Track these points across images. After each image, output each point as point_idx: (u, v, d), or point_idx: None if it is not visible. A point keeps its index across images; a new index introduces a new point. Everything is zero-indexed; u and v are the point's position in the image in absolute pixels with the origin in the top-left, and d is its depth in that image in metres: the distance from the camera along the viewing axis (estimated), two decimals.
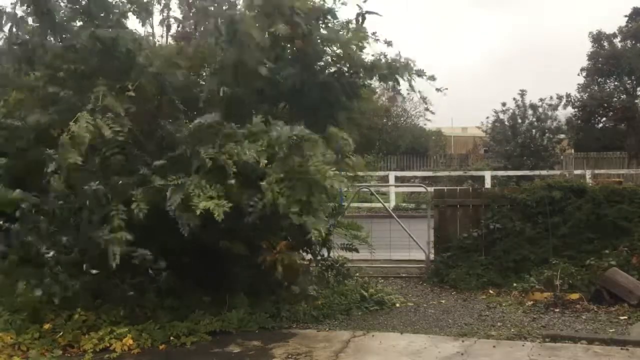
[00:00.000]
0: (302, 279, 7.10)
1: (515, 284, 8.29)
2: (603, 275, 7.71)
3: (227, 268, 7.06)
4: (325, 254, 8.03)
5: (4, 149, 6.66)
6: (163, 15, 7.50)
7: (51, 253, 6.07)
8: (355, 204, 16.03)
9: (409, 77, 7.24)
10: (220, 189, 5.72)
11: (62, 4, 6.85)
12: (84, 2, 6.77)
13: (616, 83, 28.32)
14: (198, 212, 5.54)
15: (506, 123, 26.61)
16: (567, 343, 6.06)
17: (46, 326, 6.27)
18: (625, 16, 28.54)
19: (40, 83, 6.65)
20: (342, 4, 7.16)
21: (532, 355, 5.71)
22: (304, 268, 7.28)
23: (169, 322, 6.47)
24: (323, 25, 7.11)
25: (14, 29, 6.75)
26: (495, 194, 9.48)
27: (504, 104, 26.80)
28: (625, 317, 6.97)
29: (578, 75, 28.88)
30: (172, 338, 6.29)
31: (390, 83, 7.30)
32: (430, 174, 24.47)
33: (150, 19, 7.29)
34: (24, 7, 6.77)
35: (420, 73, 7.28)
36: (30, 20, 6.92)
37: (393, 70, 7.16)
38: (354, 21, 7.20)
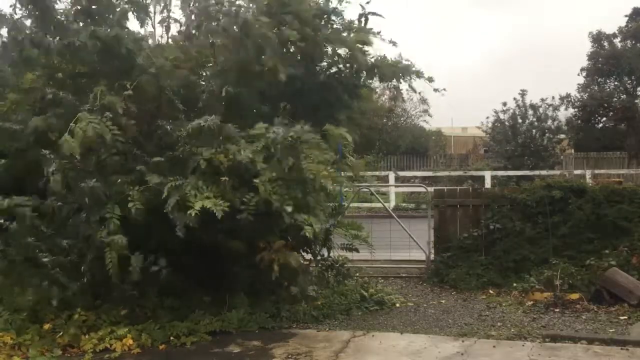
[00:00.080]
0: (301, 279, 7.09)
1: (515, 284, 8.29)
2: (603, 275, 7.71)
3: (227, 268, 7.06)
4: (325, 254, 8.04)
5: (3, 149, 6.66)
6: (162, 16, 7.49)
7: (48, 258, 6.06)
8: (355, 204, 16.04)
9: (410, 78, 7.25)
10: (215, 190, 5.72)
11: (62, 4, 6.85)
12: (84, 2, 6.76)
13: (616, 83, 28.33)
14: (194, 213, 5.55)
15: (506, 123, 26.62)
16: (567, 343, 6.06)
17: (46, 326, 6.28)
18: (626, 16, 28.58)
19: (37, 84, 6.63)
20: (347, 2, 7.18)
21: (532, 355, 5.71)
22: (303, 268, 7.27)
23: (169, 322, 6.47)
24: (328, 25, 7.12)
25: (12, 32, 6.74)
26: (495, 194, 9.47)
27: (504, 104, 26.85)
28: (625, 317, 6.97)
29: (578, 75, 28.95)
30: (172, 338, 6.29)
31: (392, 83, 7.30)
32: (430, 174, 24.48)
33: (151, 19, 7.28)
34: (23, 9, 6.76)
35: (419, 74, 7.29)
36: (29, 22, 6.91)
37: (396, 70, 7.16)
38: (356, 22, 7.21)
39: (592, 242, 8.46)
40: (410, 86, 7.40)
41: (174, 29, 7.73)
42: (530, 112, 26.50)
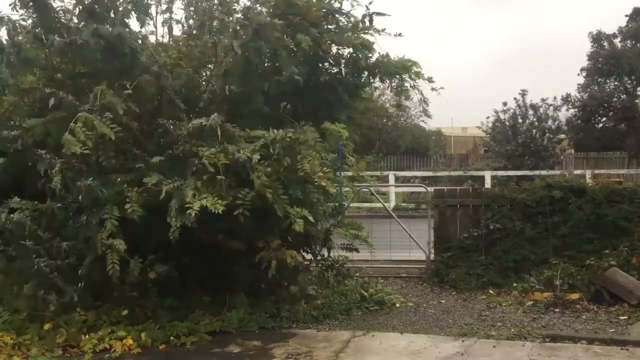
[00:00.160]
0: (301, 278, 7.10)
1: (515, 284, 8.29)
2: (603, 275, 7.71)
3: (227, 268, 7.06)
4: (325, 254, 8.03)
5: (2, 149, 6.65)
6: (165, 17, 7.51)
7: (45, 263, 6.05)
8: (355, 204, 16.04)
9: (412, 78, 7.25)
10: (212, 190, 5.73)
11: (61, 2, 6.85)
12: (86, 2, 6.76)
13: (616, 83, 28.33)
14: (193, 213, 5.55)
15: (506, 123, 26.63)
16: (567, 343, 6.06)
17: (46, 326, 6.27)
18: (626, 16, 28.59)
19: (36, 85, 6.61)
20: (355, 1, 7.18)
21: (532, 355, 5.71)
22: (303, 266, 7.26)
23: (169, 322, 6.47)
24: (333, 26, 7.13)
25: (12, 32, 6.75)
26: (495, 194, 9.47)
27: (504, 104, 26.86)
28: (625, 317, 6.97)
29: (578, 75, 28.96)
30: (172, 338, 6.29)
31: (395, 82, 7.29)
32: (430, 174, 24.47)
33: (151, 20, 7.29)
34: (23, 9, 6.77)
35: (419, 75, 7.28)
36: (29, 22, 6.92)
37: (398, 69, 7.15)
38: (360, 23, 7.21)
39: (592, 242, 8.46)
40: (411, 85, 7.39)
41: (176, 30, 7.76)
42: (531, 112, 26.51)
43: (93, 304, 6.53)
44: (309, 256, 7.77)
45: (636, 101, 27.63)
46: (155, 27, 7.35)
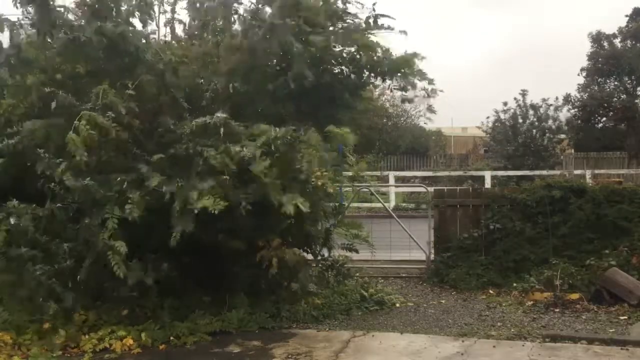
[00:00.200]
0: (301, 275, 7.09)
1: (515, 284, 8.29)
2: (603, 275, 7.71)
3: (227, 268, 7.06)
4: (326, 254, 8.04)
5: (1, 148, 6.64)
6: (167, 17, 7.52)
7: (42, 270, 6.04)
8: (355, 204, 16.03)
9: (414, 75, 7.25)
10: (217, 190, 5.73)
11: (61, 1, 6.87)
12: (89, 1, 6.77)
13: (616, 83, 28.31)
14: (196, 211, 5.55)
15: (507, 123, 26.62)
16: (567, 343, 6.06)
17: (46, 326, 6.27)
18: (626, 16, 28.56)
19: (36, 85, 6.61)
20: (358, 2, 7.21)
21: (532, 355, 5.71)
22: (303, 263, 7.25)
23: (169, 322, 6.46)
24: (339, 27, 7.13)
25: (14, 31, 6.75)
26: (495, 194, 9.47)
27: (505, 104, 26.87)
28: (625, 317, 6.97)
29: (578, 75, 28.93)
30: (172, 338, 6.29)
31: (398, 79, 7.29)
32: (430, 174, 24.46)
33: (153, 20, 7.29)
34: (25, 8, 6.77)
35: (421, 74, 7.28)
36: (29, 20, 6.92)
37: (401, 64, 7.15)
38: (364, 24, 7.22)
39: (592, 242, 8.46)
40: (413, 83, 7.39)
41: (178, 30, 7.76)
42: (531, 112, 26.51)
43: (93, 304, 6.53)
44: (309, 256, 7.77)
45: (636, 101, 27.61)
46: (158, 26, 7.37)
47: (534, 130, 26.35)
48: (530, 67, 68.80)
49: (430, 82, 7.35)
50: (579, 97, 28.19)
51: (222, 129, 6.03)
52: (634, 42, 27.72)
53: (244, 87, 6.81)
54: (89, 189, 5.88)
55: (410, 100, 7.80)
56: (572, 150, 28.55)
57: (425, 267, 9.55)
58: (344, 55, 7.22)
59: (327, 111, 7.09)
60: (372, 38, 7.19)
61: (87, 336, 6.18)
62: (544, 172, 20.79)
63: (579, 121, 28.14)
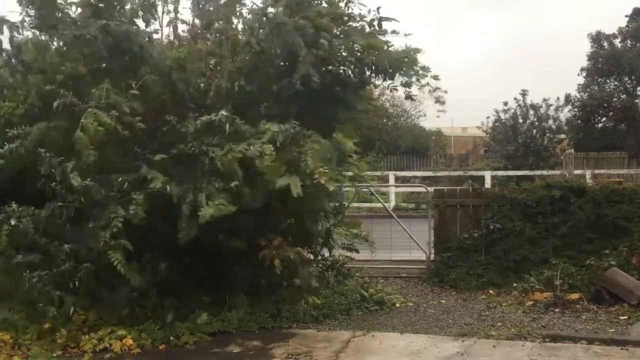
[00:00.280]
0: (303, 272, 7.09)
1: (515, 284, 8.29)
2: (603, 275, 7.71)
3: (227, 268, 7.06)
4: (326, 254, 8.04)
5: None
6: (170, 17, 7.52)
7: (39, 278, 6.04)
8: (355, 204, 16.04)
9: (417, 73, 7.24)
10: (227, 196, 5.73)
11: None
12: (92, 1, 6.77)
13: (616, 83, 28.31)
14: (204, 220, 5.56)
15: (507, 123, 26.63)
16: (567, 343, 6.06)
17: (46, 326, 6.27)
18: (626, 16, 28.56)
19: (37, 85, 6.61)
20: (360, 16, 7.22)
21: (532, 355, 5.71)
22: (304, 260, 7.25)
23: (169, 322, 6.45)
24: (343, 28, 7.14)
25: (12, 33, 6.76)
26: (495, 194, 9.47)
27: (505, 104, 26.88)
28: (625, 317, 6.97)
29: (578, 75, 28.94)
30: (172, 338, 6.29)
31: (401, 77, 7.29)
32: (430, 174, 24.47)
33: (156, 20, 7.29)
34: (25, 10, 6.79)
35: (425, 70, 7.27)
36: (29, 21, 6.92)
37: (402, 60, 7.15)
38: (368, 26, 7.22)
39: (592, 242, 8.46)
40: (417, 80, 7.37)
41: (181, 30, 7.77)
42: (531, 112, 26.52)
43: (93, 304, 6.53)
44: (309, 256, 7.77)
45: (636, 101, 27.61)
46: (161, 26, 7.36)
47: (534, 130, 26.35)
48: (530, 67, 68.81)
49: (435, 77, 7.34)
50: (579, 97, 28.20)
51: (227, 126, 6.02)
52: (634, 42, 27.72)
53: (249, 86, 6.81)
54: (92, 189, 5.87)
55: (413, 98, 7.73)
56: (572, 150, 28.55)
57: (425, 267, 9.55)
58: (345, 54, 7.22)
59: (328, 111, 7.08)
60: (378, 43, 7.19)
61: (87, 336, 6.17)
62: (544, 172, 20.79)
63: (579, 121, 28.14)
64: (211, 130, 6.15)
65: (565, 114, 27.43)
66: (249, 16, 7.09)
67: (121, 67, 6.66)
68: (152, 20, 7.13)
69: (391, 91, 8.28)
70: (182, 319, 6.54)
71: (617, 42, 28.30)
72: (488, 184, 21.45)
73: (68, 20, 6.68)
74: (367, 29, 7.16)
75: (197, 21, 7.78)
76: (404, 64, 7.11)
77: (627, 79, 27.92)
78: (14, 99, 6.69)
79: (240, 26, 7.42)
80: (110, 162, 6.21)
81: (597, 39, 28.36)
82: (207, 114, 6.25)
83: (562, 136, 27.75)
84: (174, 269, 6.46)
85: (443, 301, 8.10)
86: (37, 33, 7.00)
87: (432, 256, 9.40)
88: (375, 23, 7.19)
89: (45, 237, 6.19)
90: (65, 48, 6.79)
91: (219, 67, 7.23)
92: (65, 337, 6.16)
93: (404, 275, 9.68)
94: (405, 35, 7.27)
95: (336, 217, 8.10)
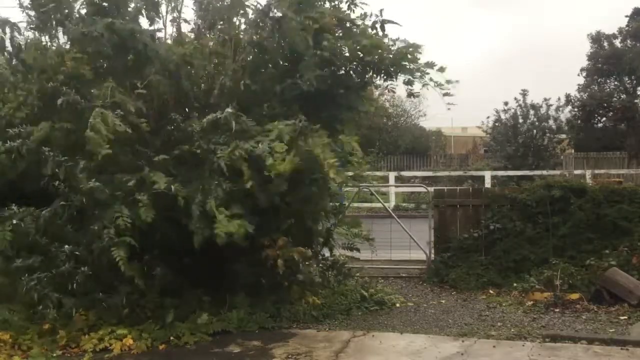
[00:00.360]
0: (305, 269, 7.09)
1: (515, 284, 8.29)
2: (603, 275, 7.71)
3: (228, 267, 7.06)
4: (327, 254, 8.04)
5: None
6: (174, 16, 7.51)
7: (37, 281, 6.03)
8: (355, 204, 16.04)
9: (421, 72, 7.23)
10: (237, 196, 5.73)
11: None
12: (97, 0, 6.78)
13: (616, 83, 28.30)
14: (223, 235, 5.59)
15: (507, 123, 26.62)
16: (567, 343, 6.06)
17: (46, 326, 6.27)
18: (626, 16, 28.54)
19: (35, 86, 6.60)
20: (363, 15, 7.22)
21: (532, 355, 5.71)
22: (307, 257, 7.24)
23: (169, 322, 6.45)
24: (347, 29, 7.15)
25: (12, 33, 6.76)
26: (495, 194, 9.47)
27: (506, 103, 26.88)
28: (625, 317, 6.97)
29: (578, 75, 28.92)
30: (172, 338, 6.29)
31: (404, 75, 7.28)
32: (430, 174, 24.47)
33: (160, 18, 7.28)
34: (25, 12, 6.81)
35: (430, 65, 7.26)
36: (28, 21, 6.94)
37: (403, 57, 7.14)
38: (370, 29, 7.22)
39: (592, 242, 8.46)
40: (422, 76, 7.35)
41: (184, 29, 7.76)
42: (532, 112, 26.52)
43: (93, 304, 6.53)
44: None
45: (636, 101, 27.58)
46: (164, 25, 7.36)
47: (534, 130, 26.35)
48: (530, 67, 68.93)
49: (442, 69, 7.31)
50: (579, 97, 28.20)
51: (233, 123, 6.01)
52: (634, 42, 27.71)
53: (253, 86, 6.82)
54: (97, 189, 5.86)
55: (416, 95, 7.69)
56: (572, 150, 28.54)
57: (425, 267, 9.55)
58: (347, 55, 7.23)
59: (330, 112, 7.09)
60: (380, 44, 7.19)
61: (87, 336, 6.17)
62: (544, 172, 20.78)
63: (579, 121, 28.13)
64: (217, 129, 6.14)
65: (565, 114, 27.47)
66: (252, 16, 7.10)
67: (124, 66, 6.65)
68: (157, 19, 7.14)
69: (390, 92, 8.26)
70: (182, 318, 6.54)
71: (617, 42, 28.28)
72: (488, 184, 21.44)
73: (76, 16, 6.68)
74: (370, 32, 7.17)
75: (200, 21, 7.77)
76: (406, 60, 7.10)
77: (627, 79, 27.90)
78: (14, 99, 6.68)
79: (243, 26, 7.43)
80: (116, 162, 6.19)
81: (597, 39, 28.34)
82: (211, 113, 6.24)
83: (562, 136, 27.75)
84: (174, 269, 6.45)
85: (443, 301, 8.10)
86: (37, 34, 7.00)
87: (432, 256, 9.40)
88: (378, 25, 7.20)
89: (45, 237, 6.18)
90: (70, 45, 6.78)
91: (220, 68, 7.23)
92: (65, 337, 6.16)
93: (404, 275, 9.68)
94: (405, 39, 7.29)
95: (336, 217, 8.10)
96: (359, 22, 7.18)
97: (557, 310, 7.33)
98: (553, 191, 8.74)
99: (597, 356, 5.67)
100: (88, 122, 5.70)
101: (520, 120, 26.51)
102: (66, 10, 6.71)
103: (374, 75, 7.30)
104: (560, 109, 26.82)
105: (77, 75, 6.76)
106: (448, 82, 7.33)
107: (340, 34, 7.08)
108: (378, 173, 20.51)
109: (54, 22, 6.78)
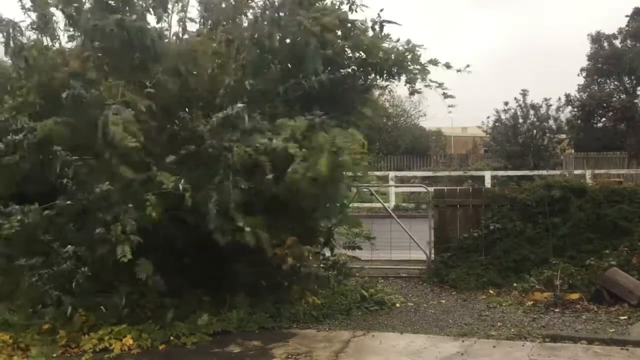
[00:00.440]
0: (310, 263, 7.10)
1: (515, 284, 8.29)
2: (603, 275, 7.71)
3: (228, 267, 7.06)
4: (327, 254, 8.03)
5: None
6: (180, 16, 7.53)
7: (38, 277, 6.03)
8: (355, 204, 16.02)
9: (422, 72, 7.23)
10: (258, 221, 5.83)
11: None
12: None
13: (616, 83, 28.30)
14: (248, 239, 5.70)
15: (507, 123, 26.63)
16: (567, 343, 6.06)
17: (46, 326, 6.27)
18: (626, 16, 28.53)
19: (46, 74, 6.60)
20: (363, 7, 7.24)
21: (532, 355, 5.71)
22: (312, 253, 7.24)
23: (169, 322, 6.46)
24: (348, 32, 7.16)
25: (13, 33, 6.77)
26: (495, 194, 9.47)
27: (506, 103, 26.89)
28: (625, 317, 6.97)
29: (578, 75, 28.93)
30: (172, 338, 6.29)
31: (405, 75, 7.28)
32: (430, 174, 24.46)
33: (168, 17, 7.29)
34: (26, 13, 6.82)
35: (433, 62, 7.25)
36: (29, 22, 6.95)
37: (404, 57, 7.14)
38: (370, 30, 7.23)
39: (592, 242, 8.46)
40: (423, 78, 7.35)
41: (189, 28, 7.77)
42: (532, 112, 26.53)
43: (93, 304, 6.52)
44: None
45: (636, 101, 27.58)
46: (170, 25, 7.38)
47: (534, 130, 26.36)
48: (530, 67, 68.93)
49: (448, 66, 7.30)
50: (579, 97, 28.20)
51: (246, 119, 6.01)
52: (634, 42, 27.71)
53: (257, 86, 6.82)
54: (107, 193, 5.85)
55: (418, 91, 7.68)
56: (572, 150, 28.54)
57: (425, 267, 9.55)
58: (350, 55, 7.24)
59: (333, 113, 7.09)
60: (383, 44, 7.19)
61: (87, 336, 6.18)
62: (544, 172, 20.78)
63: (579, 121, 28.13)
64: (227, 127, 6.14)
65: (565, 114, 27.49)
66: (255, 15, 7.09)
67: (131, 64, 6.65)
68: (164, 18, 7.14)
69: (389, 92, 8.29)
70: (182, 318, 6.54)
71: (617, 42, 28.28)
72: (488, 184, 21.43)
73: (85, 10, 6.69)
74: (370, 33, 7.17)
75: (205, 20, 7.79)
76: (407, 60, 7.10)
77: (627, 79, 27.90)
78: (17, 95, 6.69)
79: (245, 25, 7.43)
80: (126, 162, 6.17)
81: (597, 39, 28.34)
82: (217, 113, 6.23)
83: (562, 136, 27.75)
84: (175, 269, 6.44)
85: (443, 301, 8.10)
86: (38, 35, 7.00)
87: (432, 256, 9.40)
88: (377, 26, 7.20)
89: (48, 235, 6.17)
90: (79, 37, 6.76)
91: (224, 67, 7.24)
92: (65, 337, 6.16)
93: (404, 275, 9.68)
94: (408, 39, 7.30)
95: (337, 217, 8.10)
96: (359, 23, 7.18)
97: (557, 310, 7.34)
98: (553, 191, 8.74)
99: (597, 356, 5.67)
100: (93, 119, 5.71)
101: (520, 120, 26.53)
102: (76, 4, 6.71)
103: (377, 76, 7.31)
104: (560, 109, 26.89)
105: (77, 74, 6.76)
106: (458, 71, 7.34)
107: (342, 34, 7.08)
108: (378, 173, 20.50)
109: (57, 21, 6.78)
